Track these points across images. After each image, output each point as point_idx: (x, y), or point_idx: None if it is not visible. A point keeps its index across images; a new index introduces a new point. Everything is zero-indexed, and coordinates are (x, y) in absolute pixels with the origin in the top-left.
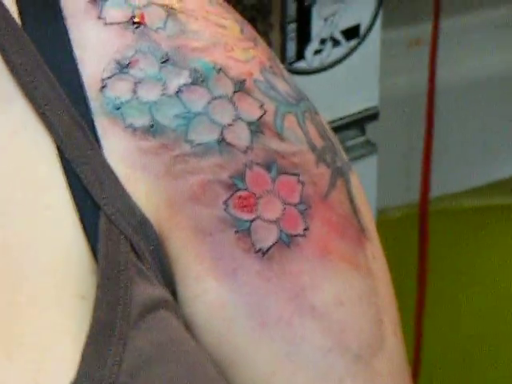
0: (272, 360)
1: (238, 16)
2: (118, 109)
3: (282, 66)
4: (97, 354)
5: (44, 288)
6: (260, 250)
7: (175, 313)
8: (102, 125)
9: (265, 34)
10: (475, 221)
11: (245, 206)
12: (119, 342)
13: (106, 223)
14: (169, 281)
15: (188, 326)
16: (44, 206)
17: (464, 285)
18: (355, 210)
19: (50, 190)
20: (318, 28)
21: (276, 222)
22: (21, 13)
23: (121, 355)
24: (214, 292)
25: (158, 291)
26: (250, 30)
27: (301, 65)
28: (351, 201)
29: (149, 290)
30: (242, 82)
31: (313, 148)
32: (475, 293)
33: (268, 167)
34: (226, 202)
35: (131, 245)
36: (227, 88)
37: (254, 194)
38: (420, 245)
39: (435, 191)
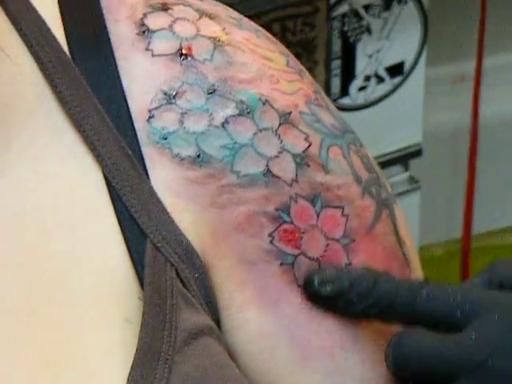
0: None
1: (283, 49)
2: (165, 139)
3: (327, 98)
4: (143, 378)
5: (90, 311)
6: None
7: (219, 340)
8: (150, 155)
9: (310, 71)
10: None
11: (290, 240)
12: (165, 366)
13: (153, 251)
14: (213, 309)
15: (231, 355)
16: (91, 232)
17: None
18: (400, 242)
19: (97, 217)
20: (362, 65)
21: (319, 259)
22: (70, 44)
23: (166, 379)
24: (257, 322)
25: (203, 318)
26: (295, 62)
27: (345, 101)
28: (396, 233)
29: (194, 316)
30: (288, 114)
31: (358, 180)
32: None
33: (313, 200)
34: (271, 234)
35: (177, 272)
36: (273, 120)
37: (299, 229)
38: (462, 280)
39: (478, 228)
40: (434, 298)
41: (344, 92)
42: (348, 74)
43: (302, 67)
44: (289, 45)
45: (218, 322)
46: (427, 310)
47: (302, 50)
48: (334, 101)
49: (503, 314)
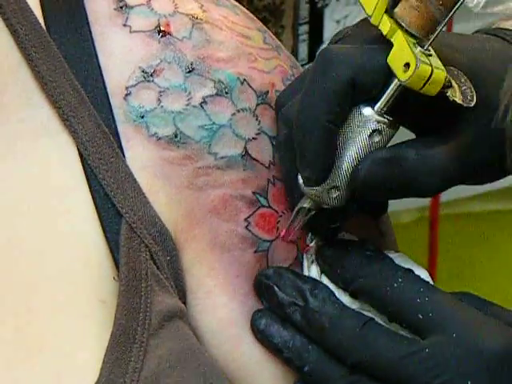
0: (278, 380)
1: (260, 25)
2: (142, 117)
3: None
4: (118, 360)
5: (63, 292)
6: None
7: (188, 324)
8: (126, 133)
9: (277, 36)
10: (485, 225)
11: (266, 225)
12: (140, 349)
13: (128, 231)
14: (181, 293)
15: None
16: (65, 210)
17: (473, 288)
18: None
19: (71, 196)
20: (330, 30)
21: (295, 242)
22: (46, 18)
23: (141, 362)
24: (226, 309)
25: (175, 301)
26: (272, 38)
27: None
28: None
29: (167, 299)
30: (265, 93)
31: None
32: (485, 296)
33: None
34: (247, 219)
35: (150, 254)
36: (251, 100)
37: (276, 212)
38: (430, 248)
39: (445, 196)
40: (403, 290)
41: (311, 57)
42: (316, 39)
43: (278, 43)
44: (256, 10)
45: (184, 305)
46: (393, 301)
47: (269, 14)
48: (302, 66)
49: (461, 334)
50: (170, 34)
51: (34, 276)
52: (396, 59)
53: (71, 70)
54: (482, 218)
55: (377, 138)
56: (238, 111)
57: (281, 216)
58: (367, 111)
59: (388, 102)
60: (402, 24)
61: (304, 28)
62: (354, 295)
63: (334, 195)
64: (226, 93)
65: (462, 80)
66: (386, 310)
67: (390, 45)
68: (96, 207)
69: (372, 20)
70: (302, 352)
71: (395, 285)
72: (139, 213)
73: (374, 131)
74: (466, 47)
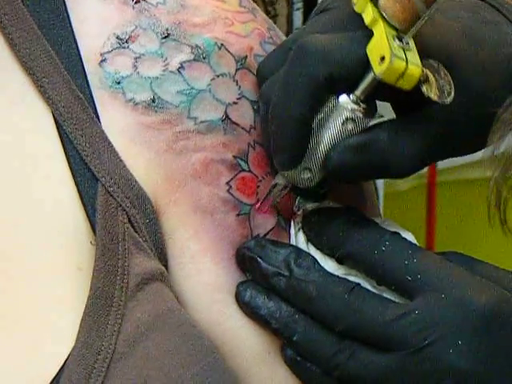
0: (265, 344)
1: None
2: (119, 83)
3: (281, 33)
4: (95, 324)
5: (41, 259)
6: (257, 236)
7: (169, 286)
8: (101, 98)
9: (271, 4)
10: (483, 191)
11: (247, 189)
12: (117, 312)
13: (104, 195)
14: (161, 256)
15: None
16: (41, 176)
17: (472, 254)
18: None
19: (47, 162)
20: None
21: (276, 206)
22: None
23: (119, 325)
24: (210, 273)
25: (154, 263)
26: (247, 0)
27: None
28: None
29: (145, 261)
30: (244, 58)
31: None
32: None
33: None
34: (228, 183)
35: (128, 217)
36: (230, 65)
37: (256, 177)
38: (427, 215)
39: (443, 163)
40: (391, 253)
41: None
42: (310, 7)
43: (254, 5)
44: None
45: (166, 269)
46: (381, 264)
47: None
48: None
49: (449, 294)
50: None
51: (11, 244)
52: (373, 51)
53: (44, 37)
54: (480, 185)
55: (350, 126)
56: (218, 76)
57: (260, 181)
58: (342, 99)
59: (364, 91)
60: (384, 15)
61: None
62: (340, 261)
63: (306, 176)
64: (204, 58)
65: (442, 74)
66: (374, 273)
67: (370, 32)
68: (72, 173)
69: (356, 8)
70: (290, 322)
71: (382, 248)
72: (115, 176)
73: (347, 119)
74: (457, 17)
